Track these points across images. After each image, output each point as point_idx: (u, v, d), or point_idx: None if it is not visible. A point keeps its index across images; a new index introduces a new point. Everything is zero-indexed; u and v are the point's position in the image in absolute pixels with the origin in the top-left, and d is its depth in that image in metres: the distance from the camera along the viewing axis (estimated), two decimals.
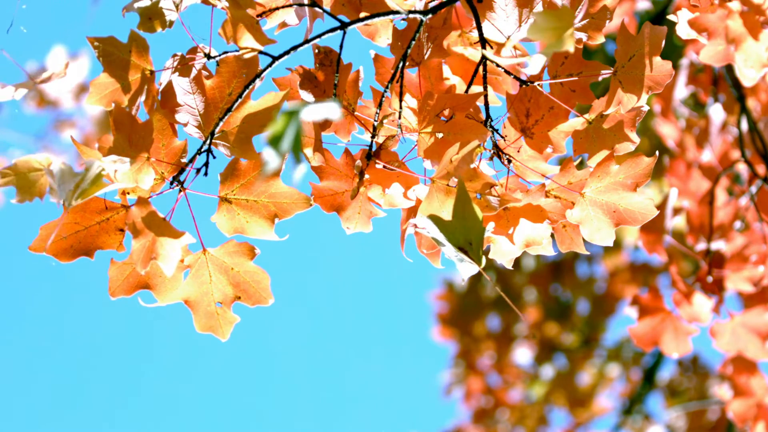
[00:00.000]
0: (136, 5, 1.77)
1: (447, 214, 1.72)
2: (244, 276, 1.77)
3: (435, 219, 1.51)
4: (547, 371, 6.28)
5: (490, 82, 1.93)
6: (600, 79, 1.86)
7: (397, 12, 1.84)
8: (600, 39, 1.83)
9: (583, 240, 1.83)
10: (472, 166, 1.72)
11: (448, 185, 1.71)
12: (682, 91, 3.33)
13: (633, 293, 5.15)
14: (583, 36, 1.83)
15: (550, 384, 6.26)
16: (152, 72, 1.78)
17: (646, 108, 1.81)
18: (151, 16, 1.77)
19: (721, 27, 2.13)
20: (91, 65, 5.75)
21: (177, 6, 1.78)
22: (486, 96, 1.83)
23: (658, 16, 3.47)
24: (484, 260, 1.52)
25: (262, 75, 1.77)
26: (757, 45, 2.15)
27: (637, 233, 5.08)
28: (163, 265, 1.63)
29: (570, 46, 1.46)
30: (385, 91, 1.84)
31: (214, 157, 1.76)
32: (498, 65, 1.87)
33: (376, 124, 1.84)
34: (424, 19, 1.84)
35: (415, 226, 1.81)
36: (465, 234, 1.53)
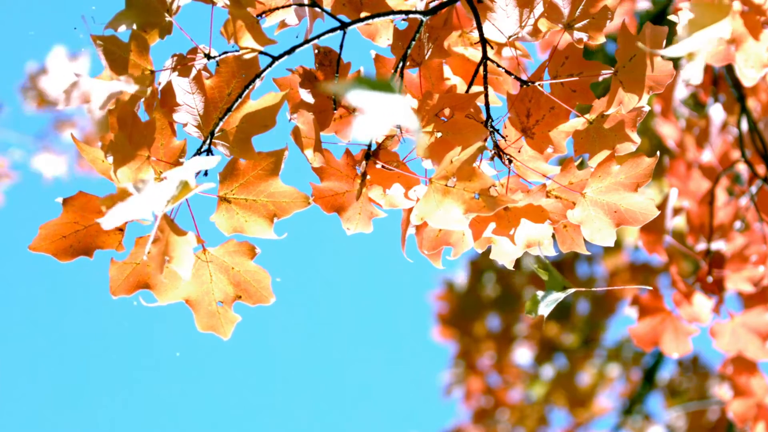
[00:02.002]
0: (127, 21, 1.77)
1: (443, 214, 1.72)
2: (245, 275, 1.77)
3: (552, 285, 1.77)
4: (547, 371, 6.28)
5: (490, 82, 1.93)
6: (600, 79, 1.86)
7: (398, 12, 1.84)
8: (600, 39, 1.83)
9: (584, 240, 1.83)
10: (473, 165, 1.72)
11: (446, 186, 1.71)
12: (682, 91, 3.33)
13: (633, 293, 5.15)
14: (583, 36, 1.83)
15: (550, 384, 6.26)
16: (152, 72, 1.78)
17: (647, 108, 1.81)
18: (146, 28, 1.77)
19: None
20: (91, 65, 5.75)
21: (170, 10, 1.78)
22: (486, 96, 1.83)
23: (659, 16, 3.47)
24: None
25: (262, 75, 1.77)
26: (758, 45, 2.15)
27: (637, 233, 5.08)
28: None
29: (727, 35, 1.48)
30: None
31: None
32: (499, 65, 1.87)
33: None
34: (424, 19, 1.84)
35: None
36: (561, 279, 1.77)
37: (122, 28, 1.78)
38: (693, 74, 1.53)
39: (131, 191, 1.51)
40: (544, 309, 1.76)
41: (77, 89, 1.60)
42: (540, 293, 1.76)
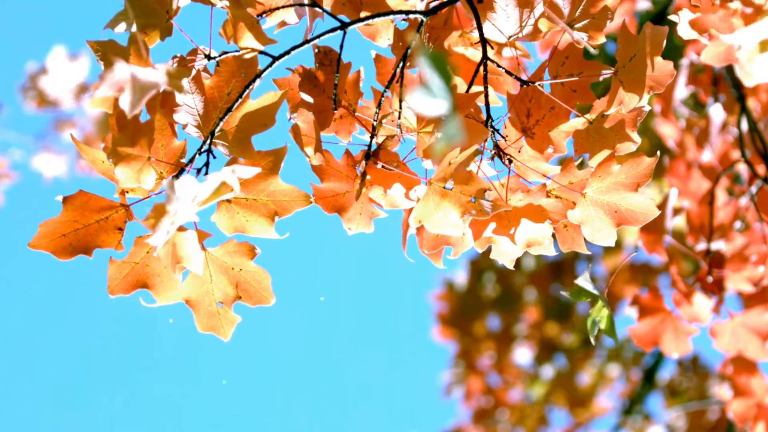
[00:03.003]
0: (126, 21, 1.76)
1: (441, 218, 1.72)
2: (245, 276, 1.77)
3: (601, 305, 1.87)
4: (547, 371, 6.28)
5: (490, 82, 1.93)
6: (600, 79, 1.86)
7: (398, 12, 1.84)
8: (601, 39, 1.83)
9: (584, 240, 1.83)
10: (469, 169, 1.71)
11: (444, 188, 1.71)
12: (682, 91, 3.32)
13: (633, 293, 5.15)
14: (583, 36, 1.83)
15: (550, 384, 6.26)
16: None
17: (647, 108, 1.81)
18: (146, 30, 1.77)
19: (723, 27, 2.13)
20: (91, 65, 5.75)
21: (170, 12, 1.78)
22: (486, 96, 1.83)
23: (659, 16, 3.47)
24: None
25: (262, 75, 1.77)
26: None
27: (637, 233, 5.09)
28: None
29: None
30: (385, 91, 1.84)
31: (215, 157, 1.76)
32: (499, 65, 1.87)
33: (375, 124, 1.84)
34: (424, 19, 1.84)
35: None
36: (603, 297, 1.86)
37: (122, 29, 1.77)
38: (764, 67, 1.50)
39: (170, 203, 1.50)
40: (601, 327, 1.87)
41: (112, 77, 1.56)
42: (596, 318, 1.87)
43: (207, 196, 1.53)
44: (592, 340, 1.88)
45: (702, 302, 2.70)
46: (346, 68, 1.86)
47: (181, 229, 1.61)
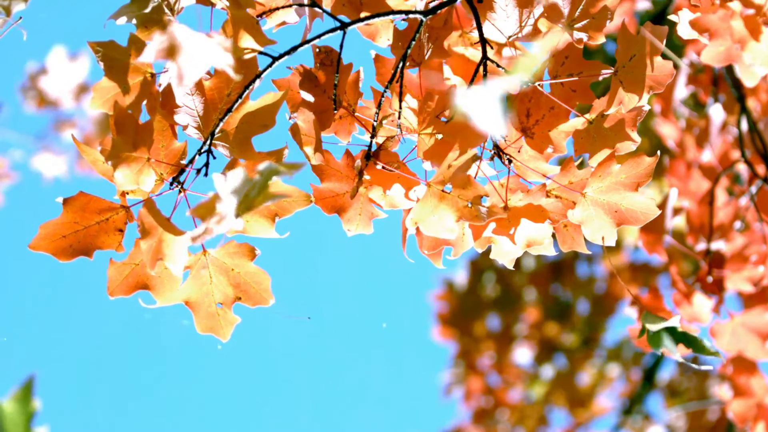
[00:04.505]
0: (128, 14, 1.76)
1: (437, 221, 1.72)
2: (245, 277, 1.77)
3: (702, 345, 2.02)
4: (547, 371, 6.28)
5: None
6: (600, 78, 1.86)
7: (398, 12, 1.84)
8: (600, 39, 1.83)
9: (585, 240, 1.83)
10: (468, 173, 1.71)
11: (443, 191, 1.71)
12: (682, 91, 3.32)
13: (633, 294, 5.14)
14: (583, 36, 1.83)
15: (550, 384, 6.26)
16: (153, 75, 1.78)
17: (647, 107, 1.81)
18: (147, 24, 1.77)
19: (723, 27, 2.13)
20: (91, 65, 5.75)
21: (172, 9, 1.78)
22: None
23: (659, 16, 3.48)
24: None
25: (262, 75, 1.77)
26: (760, 45, 2.16)
27: (637, 233, 5.08)
28: (170, 265, 1.62)
29: None
30: (385, 91, 1.84)
31: (215, 158, 1.76)
32: (498, 65, 1.87)
33: (375, 124, 1.84)
34: (424, 19, 1.84)
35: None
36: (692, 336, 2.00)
37: (123, 21, 1.77)
38: None
39: (220, 202, 1.49)
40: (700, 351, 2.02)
41: (165, 40, 1.52)
42: (683, 358, 2.02)
43: (255, 194, 1.51)
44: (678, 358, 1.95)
45: (702, 302, 2.69)
46: (346, 69, 1.86)
47: (176, 231, 1.61)
